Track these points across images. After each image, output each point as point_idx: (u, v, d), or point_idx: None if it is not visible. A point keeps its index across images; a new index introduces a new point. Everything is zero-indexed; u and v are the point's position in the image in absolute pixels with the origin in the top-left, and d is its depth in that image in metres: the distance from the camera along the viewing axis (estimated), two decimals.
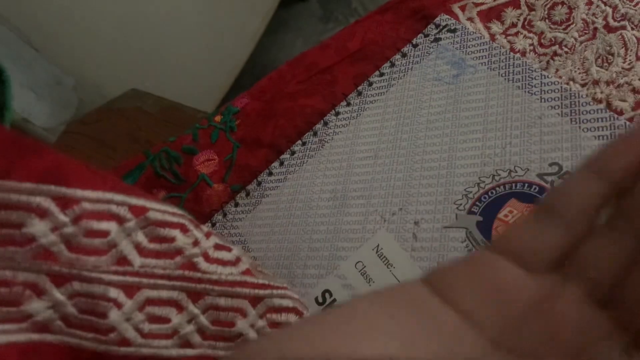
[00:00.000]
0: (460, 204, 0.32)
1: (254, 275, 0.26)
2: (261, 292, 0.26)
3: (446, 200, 0.32)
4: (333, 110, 0.39)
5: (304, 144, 0.39)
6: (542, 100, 0.33)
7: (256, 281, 0.26)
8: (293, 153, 0.39)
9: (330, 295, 0.33)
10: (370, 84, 0.39)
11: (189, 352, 0.24)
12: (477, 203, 0.31)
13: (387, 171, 0.35)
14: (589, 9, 0.37)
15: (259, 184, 0.39)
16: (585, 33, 0.36)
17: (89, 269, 0.21)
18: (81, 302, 0.21)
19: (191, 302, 0.24)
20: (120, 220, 0.23)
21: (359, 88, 0.39)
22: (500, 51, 0.36)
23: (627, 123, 0.30)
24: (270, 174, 0.39)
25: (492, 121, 0.33)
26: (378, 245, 0.33)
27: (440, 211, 0.32)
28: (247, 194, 0.39)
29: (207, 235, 0.26)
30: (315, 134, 0.39)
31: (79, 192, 0.22)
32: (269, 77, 0.43)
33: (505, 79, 0.34)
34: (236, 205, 0.39)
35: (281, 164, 0.39)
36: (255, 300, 0.26)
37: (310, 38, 1.13)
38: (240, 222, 0.38)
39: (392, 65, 0.39)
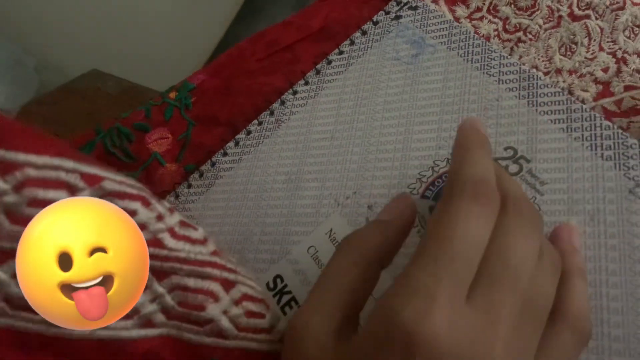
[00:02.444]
0: (414, 188, 0.31)
1: (224, 258, 0.25)
2: (232, 276, 0.25)
3: (400, 184, 0.31)
4: (291, 89, 0.38)
5: (260, 123, 0.38)
6: (500, 82, 0.32)
7: (227, 264, 0.24)
8: (249, 133, 0.38)
9: (282, 280, 0.32)
10: (330, 63, 0.38)
11: (151, 332, 0.22)
12: (431, 187, 0.31)
13: (342, 153, 0.34)
14: None
15: (213, 164, 0.38)
16: (550, 20, 0.35)
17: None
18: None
19: (156, 280, 0.22)
20: (71, 189, 0.20)
21: (318, 66, 0.38)
22: (460, 30, 0.35)
23: (583, 107, 0.29)
24: (225, 154, 0.38)
25: (449, 103, 0.32)
26: (331, 230, 0.32)
27: (394, 195, 0.31)
28: (201, 175, 0.38)
29: (171, 210, 0.24)
30: (272, 113, 0.38)
31: (22, 156, 0.19)
32: (228, 53, 0.41)
33: (464, 59, 0.33)
34: (189, 186, 0.38)
35: (236, 144, 0.38)
36: (228, 284, 0.24)
37: None
38: (192, 204, 0.37)
39: (352, 43, 0.37)
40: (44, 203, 0.20)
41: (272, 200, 0.34)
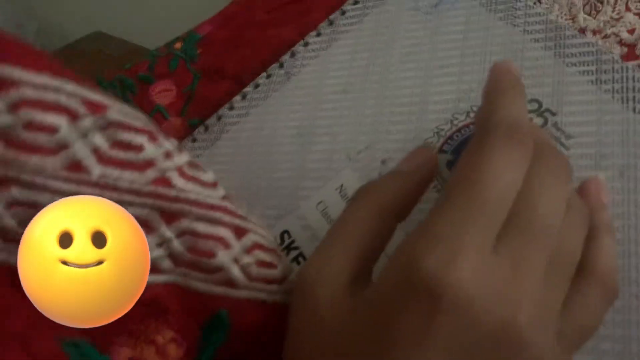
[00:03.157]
0: (432, 142, 0.29)
1: (234, 204, 0.23)
2: (243, 223, 0.23)
3: (416, 138, 0.30)
4: (302, 41, 0.36)
5: (269, 76, 0.36)
6: (525, 32, 0.30)
7: (237, 210, 0.23)
8: (257, 86, 0.36)
9: (290, 236, 0.30)
10: (344, 13, 0.36)
11: (156, 278, 0.20)
12: (449, 141, 0.29)
13: (356, 107, 0.32)
14: None
15: (219, 118, 0.36)
16: None
17: (30, 171, 0.18)
18: (21, 212, 0.18)
19: (164, 223, 0.20)
20: (72, 115, 0.18)
21: (331, 17, 0.36)
22: None
23: (614, 58, 0.28)
24: (232, 108, 0.36)
25: (470, 54, 0.31)
26: (342, 185, 0.30)
27: (410, 150, 0.30)
28: (206, 129, 0.36)
29: (179, 149, 0.22)
30: (281, 66, 0.36)
31: (19, 73, 0.17)
32: (236, 2, 0.39)
33: (487, 9, 0.32)
34: (194, 140, 0.36)
35: (244, 97, 0.36)
36: (239, 231, 0.22)
37: None
38: (197, 158, 0.35)
39: None
40: (41, 127, 0.18)
41: (280, 155, 0.33)
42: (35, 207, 0.18)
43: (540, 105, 0.28)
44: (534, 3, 0.33)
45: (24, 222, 0.18)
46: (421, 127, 0.30)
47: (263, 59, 0.37)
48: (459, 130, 0.29)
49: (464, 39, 0.31)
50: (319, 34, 0.36)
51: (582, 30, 0.32)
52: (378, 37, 0.34)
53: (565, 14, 0.33)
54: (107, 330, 0.20)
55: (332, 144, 0.32)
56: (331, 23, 0.36)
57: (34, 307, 0.18)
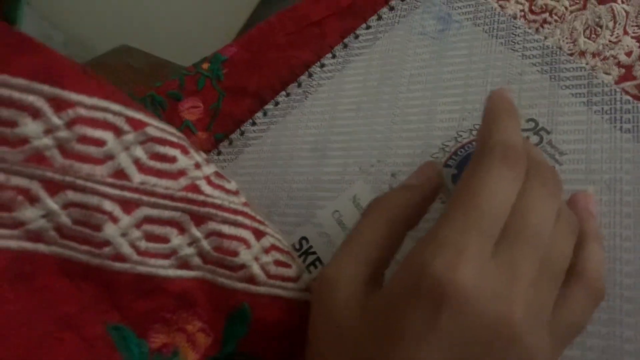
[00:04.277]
0: (437, 157, 0.32)
1: (253, 210, 0.26)
2: (261, 227, 0.26)
3: (424, 153, 0.33)
4: (318, 62, 0.39)
5: (288, 95, 0.39)
6: (524, 57, 0.33)
7: (256, 215, 0.26)
8: (277, 104, 0.39)
9: (307, 242, 0.33)
10: (357, 37, 0.39)
11: (186, 273, 0.23)
12: (454, 156, 0.32)
13: (368, 124, 0.35)
14: None
15: (242, 133, 0.39)
16: (576, 3, 0.36)
17: (83, 177, 0.21)
18: (75, 212, 0.21)
19: (194, 225, 0.24)
20: (117, 131, 0.22)
21: (345, 40, 0.39)
22: (486, 7, 0.35)
23: (604, 82, 0.30)
24: (254, 123, 0.39)
25: (474, 76, 0.34)
26: (355, 196, 0.33)
27: (417, 164, 0.32)
28: (230, 143, 0.39)
29: (207, 161, 0.26)
30: (299, 85, 0.39)
31: (74, 96, 0.21)
32: (258, 27, 0.43)
33: (489, 35, 0.34)
34: (219, 153, 0.39)
35: (265, 114, 0.39)
36: (258, 233, 0.26)
37: None
38: (222, 170, 0.38)
39: (380, 18, 0.39)
40: (91, 141, 0.21)
41: (298, 167, 0.36)
42: (86, 208, 0.21)
43: (537, 124, 0.30)
44: (536, 30, 0.36)
45: (77, 221, 0.21)
46: (428, 143, 0.33)
47: (282, 78, 0.40)
48: (462, 147, 0.32)
49: (468, 62, 0.34)
50: (334, 56, 0.39)
51: (582, 53, 0.35)
52: (389, 59, 0.37)
53: (566, 38, 0.36)
54: (144, 317, 0.23)
55: (345, 157, 0.35)
56: (345, 46, 0.39)
57: (83, 293, 0.22)
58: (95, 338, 0.22)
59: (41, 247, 0.21)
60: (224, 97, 0.41)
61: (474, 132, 0.32)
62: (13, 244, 0.20)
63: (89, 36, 0.95)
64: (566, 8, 0.36)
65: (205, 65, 0.42)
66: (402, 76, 0.36)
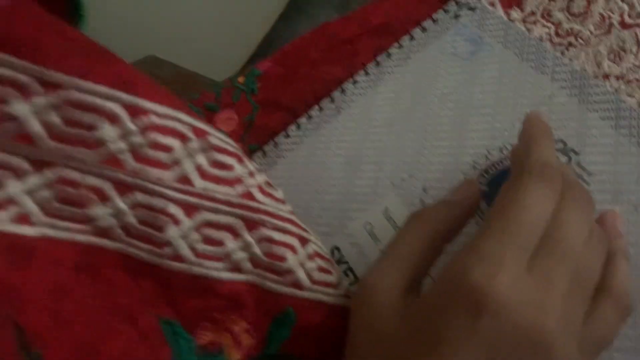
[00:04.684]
0: (468, 174, 0.33)
1: (297, 219, 0.28)
2: (305, 234, 0.28)
3: (455, 169, 0.34)
4: (351, 79, 0.41)
5: (321, 109, 0.41)
6: (553, 80, 0.34)
7: (300, 223, 0.28)
8: (310, 117, 0.41)
9: (339, 251, 0.35)
10: (389, 56, 0.40)
11: (238, 277, 0.25)
12: (484, 174, 0.33)
13: (400, 140, 0.37)
14: (607, 4, 0.38)
15: (276, 145, 0.41)
16: (601, 27, 0.37)
17: (152, 181, 0.22)
18: (142, 213, 0.22)
19: (247, 230, 0.25)
20: (184, 138, 0.24)
21: (378, 59, 0.41)
22: (516, 31, 0.37)
23: (631, 105, 0.32)
24: (287, 136, 0.41)
25: (504, 97, 0.35)
26: (387, 208, 0.35)
27: (448, 180, 0.34)
28: (264, 154, 0.41)
29: (259, 170, 0.27)
30: (332, 100, 0.40)
31: (148, 104, 0.22)
32: (292, 43, 0.44)
33: (519, 58, 0.36)
34: None
35: (298, 127, 0.41)
36: (303, 241, 0.27)
37: None
38: None
39: (412, 38, 0.40)
40: (161, 147, 0.23)
41: (330, 179, 0.37)
42: (152, 210, 0.23)
43: (565, 145, 0.32)
44: (562, 53, 0.38)
45: (142, 221, 0.23)
46: (458, 160, 0.34)
47: (315, 93, 0.42)
48: (493, 165, 0.33)
49: (498, 84, 0.36)
50: (366, 73, 0.40)
51: (606, 76, 0.36)
52: (420, 78, 0.38)
53: (591, 61, 0.37)
54: (195, 315, 0.24)
55: (377, 171, 0.36)
56: (378, 64, 0.40)
57: (141, 288, 0.23)
58: (149, 330, 0.23)
59: (107, 243, 0.22)
60: (258, 109, 0.43)
61: (504, 151, 0.33)
62: (82, 237, 0.22)
63: (116, 46, 0.97)
64: (591, 32, 0.38)
65: (241, 79, 0.44)
66: (433, 95, 0.37)
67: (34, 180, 0.21)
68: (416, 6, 0.42)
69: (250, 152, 0.41)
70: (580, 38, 0.38)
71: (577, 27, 0.38)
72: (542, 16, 0.39)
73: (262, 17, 1.06)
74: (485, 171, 0.33)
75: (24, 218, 0.21)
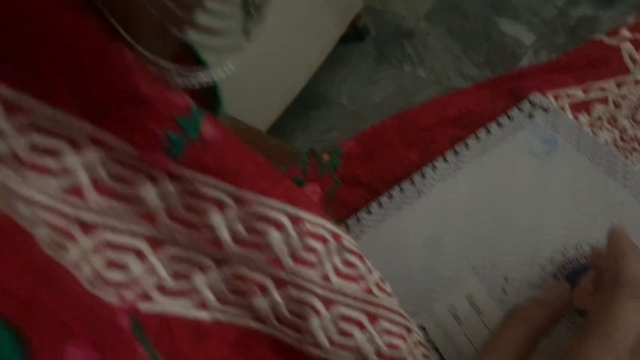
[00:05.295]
0: (546, 267, 0.37)
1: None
2: (410, 324, 0.31)
3: (533, 262, 0.38)
4: (430, 164, 0.45)
5: (402, 190, 0.44)
6: (624, 186, 0.38)
7: (405, 313, 0.32)
8: (391, 197, 0.44)
9: (425, 331, 0.38)
10: (467, 146, 0.44)
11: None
12: (561, 269, 0.37)
13: (480, 228, 0.40)
14: None
15: (358, 220, 0.44)
16: None
17: (304, 278, 0.26)
18: (292, 305, 0.26)
19: (370, 323, 0.29)
20: (325, 242, 0.28)
21: (456, 148, 0.45)
22: (589, 137, 0.41)
23: None
24: (369, 212, 0.44)
25: (578, 199, 0.39)
26: (470, 294, 0.38)
27: (528, 271, 0.38)
28: (347, 228, 0.44)
29: (374, 267, 0.31)
30: (413, 183, 0.44)
31: (305, 214, 0.27)
32: (373, 127, 0.48)
33: (592, 162, 0.40)
34: None
35: (380, 205, 0.44)
36: (408, 330, 0.31)
37: (361, 76, 1.19)
38: None
39: (488, 132, 0.44)
40: (311, 249, 0.27)
41: (413, 260, 0.41)
42: (300, 303, 0.26)
43: (638, 249, 0.35)
44: (625, 157, 0.42)
45: (291, 311, 0.26)
46: (536, 254, 0.38)
47: (394, 174, 0.46)
48: (569, 262, 0.37)
49: (573, 185, 0.39)
50: (445, 161, 0.44)
51: None
52: (497, 171, 0.42)
53: None
54: None
55: (459, 256, 0.40)
56: (456, 153, 0.44)
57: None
58: None
59: (261, 327, 0.27)
60: (339, 185, 0.47)
61: (580, 249, 0.37)
62: (243, 321, 0.26)
63: None
64: None
65: (326, 157, 0.47)
66: (510, 188, 0.41)
67: (214, 274, 0.25)
68: (490, 101, 0.47)
69: None
70: None
71: None
72: (608, 122, 0.44)
73: (304, 67, 1.11)
74: (562, 266, 0.37)
75: (202, 304, 0.25)
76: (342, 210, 0.46)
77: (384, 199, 0.45)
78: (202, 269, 0.25)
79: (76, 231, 0.21)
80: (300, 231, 0.27)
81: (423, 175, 0.44)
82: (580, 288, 0.33)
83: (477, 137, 0.45)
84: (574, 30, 1.08)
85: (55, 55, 0.19)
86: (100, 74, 0.20)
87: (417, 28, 1.20)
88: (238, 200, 0.24)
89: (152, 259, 0.23)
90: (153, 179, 0.23)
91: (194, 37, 0.22)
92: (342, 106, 1.18)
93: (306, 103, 1.17)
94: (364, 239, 0.43)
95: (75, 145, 0.21)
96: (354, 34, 1.22)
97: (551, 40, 1.09)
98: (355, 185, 0.47)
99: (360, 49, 1.22)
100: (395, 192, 0.45)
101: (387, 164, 0.47)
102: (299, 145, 1.14)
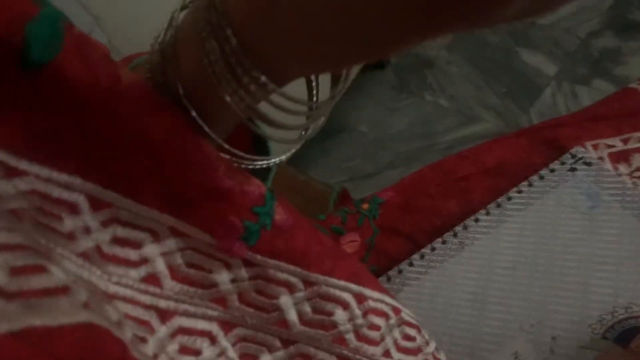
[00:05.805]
0: (595, 328, 0.37)
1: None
2: None
3: (582, 321, 0.37)
4: (473, 216, 0.45)
5: (444, 242, 0.44)
6: None
7: None
8: (434, 249, 0.44)
9: None
10: (509, 199, 0.44)
11: None
12: (611, 330, 0.36)
13: (525, 285, 0.40)
14: None
15: (400, 272, 0.44)
16: None
17: (368, 356, 0.27)
18: None
19: None
20: (387, 317, 0.28)
21: (499, 200, 0.45)
22: (633, 192, 0.41)
23: None
24: (411, 264, 0.44)
25: (626, 257, 0.39)
26: (517, 352, 0.38)
27: (576, 331, 0.37)
28: (388, 279, 0.44)
29: (431, 339, 0.32)
30: (455, 235, 0.44)
31: (368, 292, 0.27)
32: (411, 176, 0.49)
33: (637, 219, 0.40)
34: None
35: (422, 257, 0.44)
36: None
37: (382, 104, 1.20)
38: None
39: (530, 185, 0.44)
40: (374, 326, 0.27)
41: (458, 315, 0.41)
42: None
43: None
44: None
45: None
46: (585, 313, 0.38)
47: (433, 225, 0.46)
48: (619, 322, 0.36)
49: (619, 242, 0.39)
50: (488, 213, 0.44)
51: None
52: (541, 226, 0.42)
53: None
54: None
55: (505, 314, 0.40)
56: (499, 205, 0.44)
57: None
58: None
59: None
60: (378, 234, 0.47)
61: (629, 310, 0.37)
62: None
63: None
64: None
65: (365, 206, 0.48)
66: (555, 243, 0.41)
67: (280, 354, 0.25)
68: (527, 151, 0.47)
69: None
70: None
71: None
72: None
73: (324, 95, 1.12)
74: (611, 327, 0.37)
75: None
76: (381, 259, 0.46)
77: (426, 251, 0.45)
78: (270, 349, 0.25)
79: (154, 320, 0.21)
80: (364, 309, 0.27)
81: (465, 228, 0.44)
82: (632, 351, 0.33)
83: (519, 190, 0.45)
84: (596, 62, 1.08)
85: (144, 157, 0.20)
86: (184, 171, 0.21)
87: (437, 57, 1.21)
88: (306, 282, 0.25)
89: (223, 341, 0.24)
90: (228, 265, 0.23)
91: (265, 129, 0.23)
92: (362, 134, 1.19)
93: (326, 131, 1.17)
94: (406, 291, 0.43)
95: (154, 235, 0.22)
96: (374, 62, 1.22)
97: (573, 71, 1.09)
98: (395, 235, 0.47)
99: (380, 77, 1.22)
100: (437, 244, 0.45)
101: (425, 215, 0.47)
102: (319, 174, 1.15)
